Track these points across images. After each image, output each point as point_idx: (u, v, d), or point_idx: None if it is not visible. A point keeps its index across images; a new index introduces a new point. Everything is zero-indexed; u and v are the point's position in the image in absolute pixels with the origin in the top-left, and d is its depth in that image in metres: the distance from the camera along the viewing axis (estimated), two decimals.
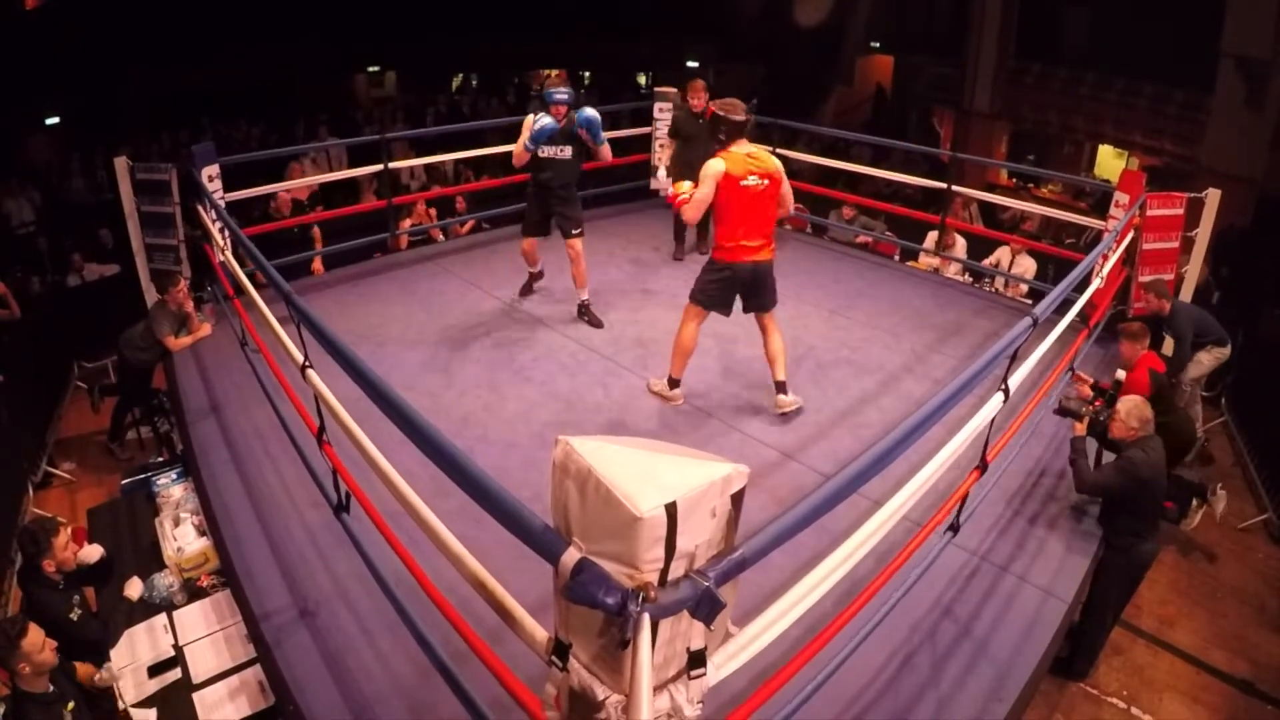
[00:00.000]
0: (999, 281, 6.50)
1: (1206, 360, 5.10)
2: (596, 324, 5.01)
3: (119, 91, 11.09)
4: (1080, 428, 3.60)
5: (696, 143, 5.40)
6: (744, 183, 3.67)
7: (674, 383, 4.17)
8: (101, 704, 2.91)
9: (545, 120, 4.44)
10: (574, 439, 1.44)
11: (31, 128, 10.75)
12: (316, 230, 6.25)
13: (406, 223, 6.74)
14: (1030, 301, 5.79)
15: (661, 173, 5.71)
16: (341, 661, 2.63)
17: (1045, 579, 3.11)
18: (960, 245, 6.63)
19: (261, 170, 7.73)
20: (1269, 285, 7.23)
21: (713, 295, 3.95)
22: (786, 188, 3.82)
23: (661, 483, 1.32)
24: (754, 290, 3.95)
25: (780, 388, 4.05)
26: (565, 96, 4.59)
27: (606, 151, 4.72)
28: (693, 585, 1.34)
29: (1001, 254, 6.54)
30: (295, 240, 5.96)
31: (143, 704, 2.92)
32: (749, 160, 3.68)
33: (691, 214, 3.84)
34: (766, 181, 3.69)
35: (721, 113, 3.70)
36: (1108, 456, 3.63)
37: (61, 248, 8.38)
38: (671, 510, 1.29)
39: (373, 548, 2.54)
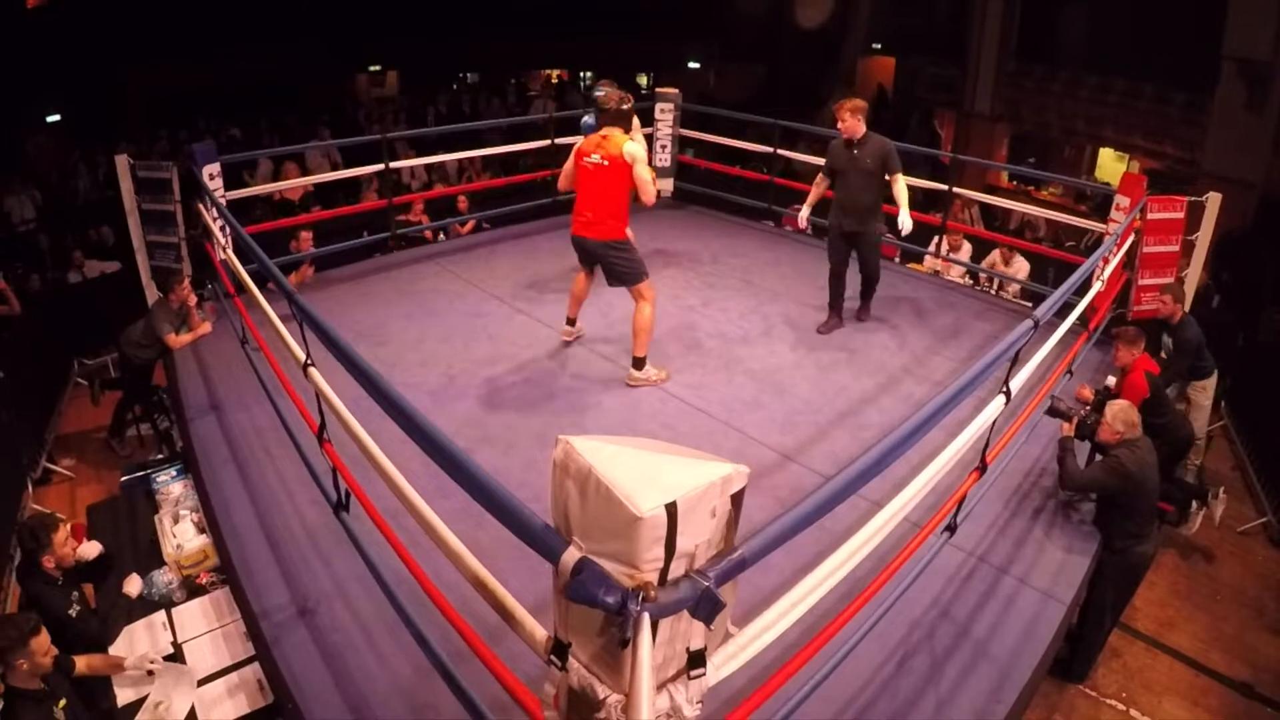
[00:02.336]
0: (997, 283, 6.51)
1: (1204, 400, 5.08)
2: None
3: (119, 90, 11.09)
4: (1068, 428, 3.65)
5: (849, 177, 4.67)
6: (586, 159, 3.99)
7: (570, 321, 4.66)
8: (98, 701, 2.91)
9: (586, 119, 4.83)
10: (574, 438, 1.44)
11: (32, 125, 10.74)
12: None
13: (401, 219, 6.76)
14: (1029, 304, 5.79)
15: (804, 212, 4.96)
16: (340, 660, 2.63)
17: (1044, 580, 3.11)
18: (966, 249, 6.64)
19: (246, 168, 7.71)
20: (1269, 289, 7.23)
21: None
22: (640, 173, 3.93)
23: (662, 482, 1.32)
24: (590, 263, 4.29)
25: (635, 363, 4.26)
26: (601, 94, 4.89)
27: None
28: (692, 585, 1.34)
29: (994, 256, 6.56)
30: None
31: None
32: (601, 141, 3.96)
33: (559, 182, 4.30)
34: (606, 162, 3.93)
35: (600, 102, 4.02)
36: (1098, 459, 3.64)
37: (62, 245, 8.38)
38: (671, 510, 1.29)
39: (372, 547, 2.54)
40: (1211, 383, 5.08)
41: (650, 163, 6.77)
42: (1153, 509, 3.54)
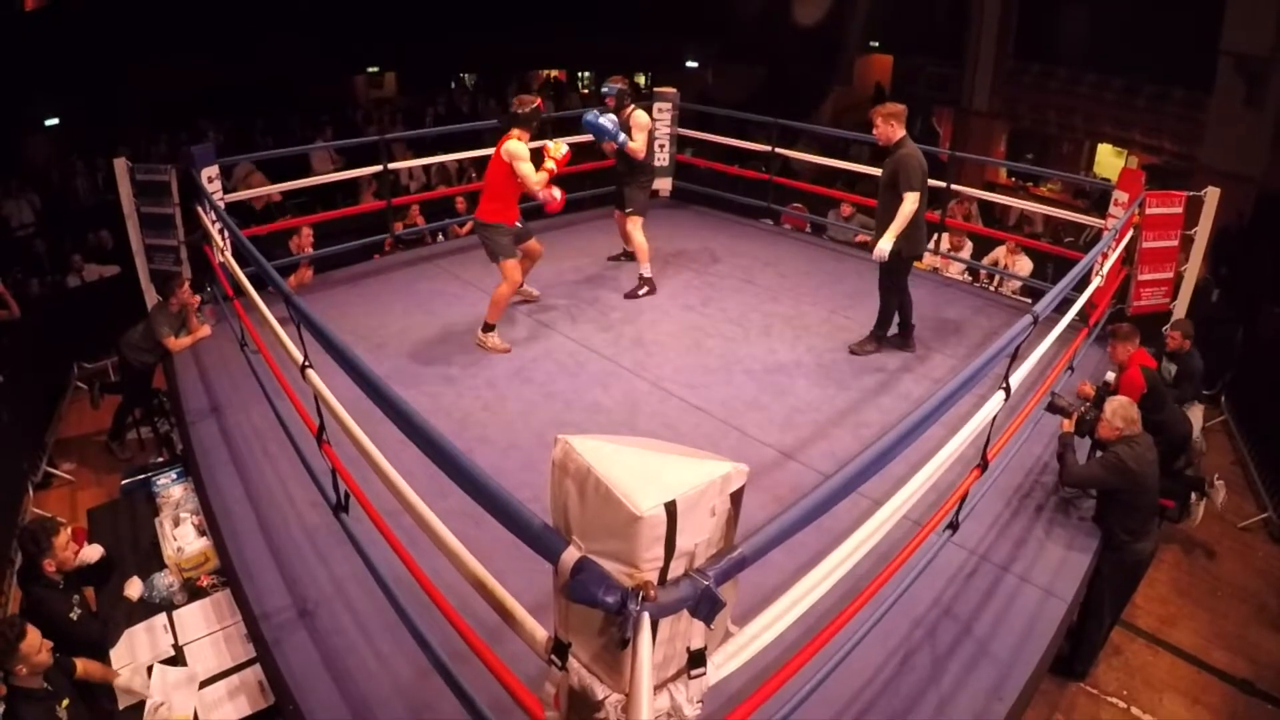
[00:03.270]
0: (997, 279, 6.50)
1: (1195, 417, 5.10)
2: (631, 295, 5.43)
3: (118, 92, 11.08)
4: (1068, 424, 3.66)
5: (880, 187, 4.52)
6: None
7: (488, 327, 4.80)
8: (100, 702, 2.91)
9: (588, 116, 5.02)
10: (573, 438, 1.43)
11: (31, 129, 10.74)
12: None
13: (398, 225, 6.75)
14: (1029, 300, 5.79)
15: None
16: (341, 661, 2.63)
17: (1045, 578, 3.11)
18: (968, 248, 6.64)
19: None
20: (1268, 284, 7.23)
21: None
22: (518, 170, 4.35)
23: (661, 481, 1.31)
24: None
25: (483, 327, 4.71)
26: (606, 90, 5.24)
27: (631, 148, 5.13)
28: (692, 584, 1.34)
29: (999, 253, 6.55)
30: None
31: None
32: (502, 139, 4.47)
33: None
34: (492, 154, 4.50)
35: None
36: (1098, 455, 3.65)
37: (61, 249, 8.37)
38: (671, 509, 1.29)
39: (372, 547, 2.55)
40: (1200, 409, 5.15)
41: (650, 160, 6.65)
42: (1153, 506, 3.53)
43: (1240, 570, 4.83)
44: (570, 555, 1.34)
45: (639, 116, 5.16)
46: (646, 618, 1.27)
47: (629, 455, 1.39)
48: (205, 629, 3.20)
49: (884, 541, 2.09)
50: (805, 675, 2.03)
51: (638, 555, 1.30)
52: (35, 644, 2.57)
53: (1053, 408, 3.74)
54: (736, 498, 1.43)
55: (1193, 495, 4.52)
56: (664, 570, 1.33)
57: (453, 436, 1.69)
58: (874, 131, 4.46)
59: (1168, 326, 4.96)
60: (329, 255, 5.95)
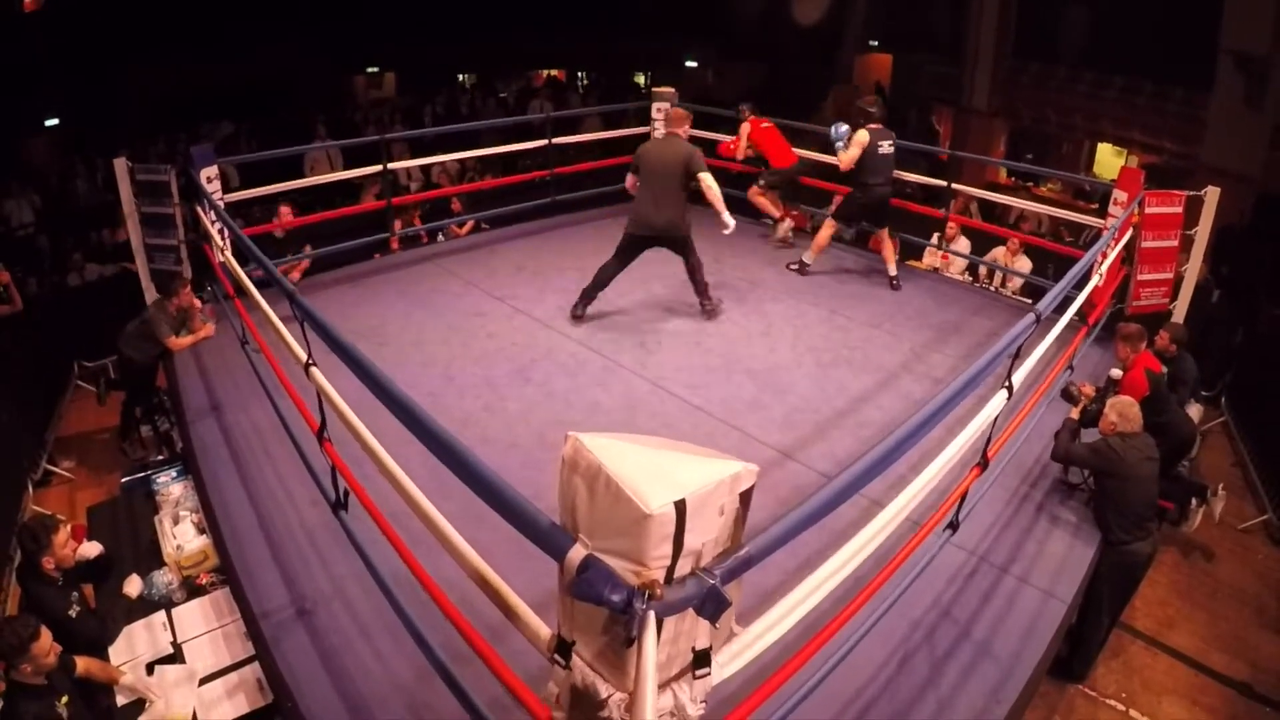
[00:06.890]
0: (997, 279, 6.51)
1: (1195, 414, 5.12)
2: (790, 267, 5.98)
3: (118, 92, 11.07)
4: (1076, 413, 3.78)
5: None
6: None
7: None
8: (99, 699, 2.91)
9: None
10: (584, 435, 1.43)
11: (31, 129, 10.72)
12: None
13: (398, 225, 6.75)
14: (1030, 300, 5.79)
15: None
16: (340, 660, 2.63)
17: (1045, 579, 3.11)
18: (963, 241, 6.63)
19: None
20: (1268, 284, 7.22)
21: None
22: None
23: (671, 480, 1.31)
24: None
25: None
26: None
27: (838, 158, 5.63)
28: (699, 583, 1.34)
29: (998, 253, 6.55)
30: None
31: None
32: None
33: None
34: None
35: None
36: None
37: (62, 248, 8.36)
38: (680, 507, 1.28)
39: (371, 546, 2.54)
40: (1197, 408, 5.17)
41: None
42: (1148, 507, 3.52)
43: (1240, 572, 4.83)
44: (576, 553, 1.34)
45: (857, 135, 5.49)
46: (652, 616, 1.27)
47: (639, 453, 1.39)
48: (204, 627, 3.20)
49: (884, 541, 2.09)
50: (805, 675, 2.02)
51: (645, 553, 1.29)
52: (46, 646, 2.58)
53: (1066, 394, 3.88)
54: (746, 498, 1.43)
55: (1193, 500, 4.52)
56: (671, 569, 1.33)
57: (454, 435, 1.69)
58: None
59: (1163, 328, 4.95)
60: (330, 254, 5.94)
